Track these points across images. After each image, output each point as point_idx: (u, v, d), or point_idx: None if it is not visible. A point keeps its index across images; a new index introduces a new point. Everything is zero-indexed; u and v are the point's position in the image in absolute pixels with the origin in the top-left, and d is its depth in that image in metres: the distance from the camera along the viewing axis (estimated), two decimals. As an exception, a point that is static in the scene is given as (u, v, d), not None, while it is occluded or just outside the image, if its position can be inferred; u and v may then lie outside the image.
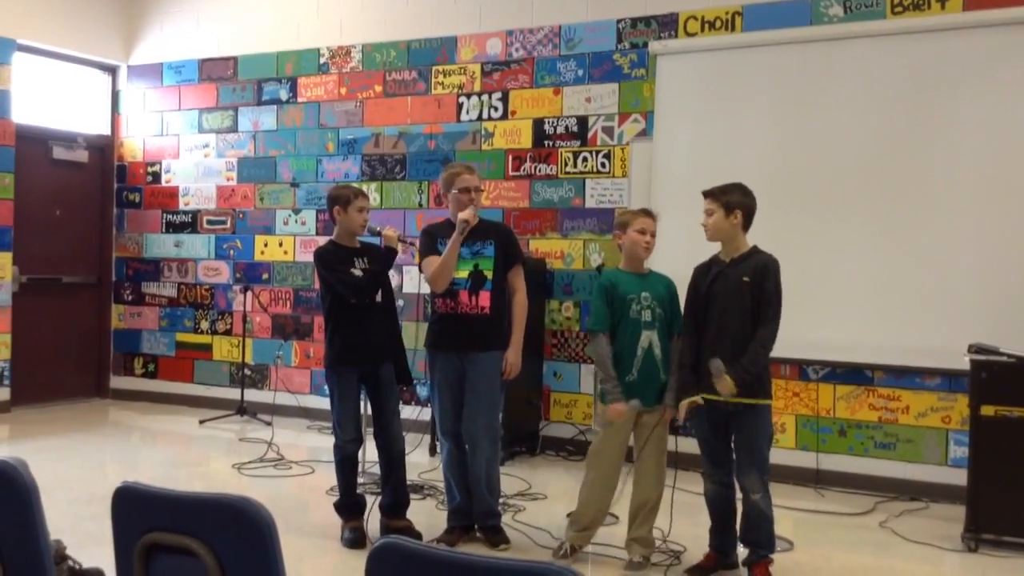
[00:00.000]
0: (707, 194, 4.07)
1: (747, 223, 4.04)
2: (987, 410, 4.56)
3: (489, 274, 4.40)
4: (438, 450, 6.46)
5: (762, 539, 3.98)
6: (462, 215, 4.34)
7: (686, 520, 4.45)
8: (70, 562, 3.27)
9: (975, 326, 5.23)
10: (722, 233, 4.03)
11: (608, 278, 4.31)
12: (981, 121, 5.49)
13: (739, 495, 4.07)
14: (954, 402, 5.55)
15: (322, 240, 6.00)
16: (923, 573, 4.32)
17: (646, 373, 4.14)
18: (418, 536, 4.41)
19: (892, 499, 5.54)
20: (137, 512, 1.81)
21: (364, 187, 7.03)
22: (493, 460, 4.43)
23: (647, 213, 4.31)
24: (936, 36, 5.63)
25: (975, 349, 4.68)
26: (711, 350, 3.95)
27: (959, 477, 5.02)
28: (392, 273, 4.67)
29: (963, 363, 4.71)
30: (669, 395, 4.13)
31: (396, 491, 4.56)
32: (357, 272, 4.45)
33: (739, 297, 3.94)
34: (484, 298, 4.37)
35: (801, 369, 5.96)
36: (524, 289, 4.52)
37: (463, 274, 4.39)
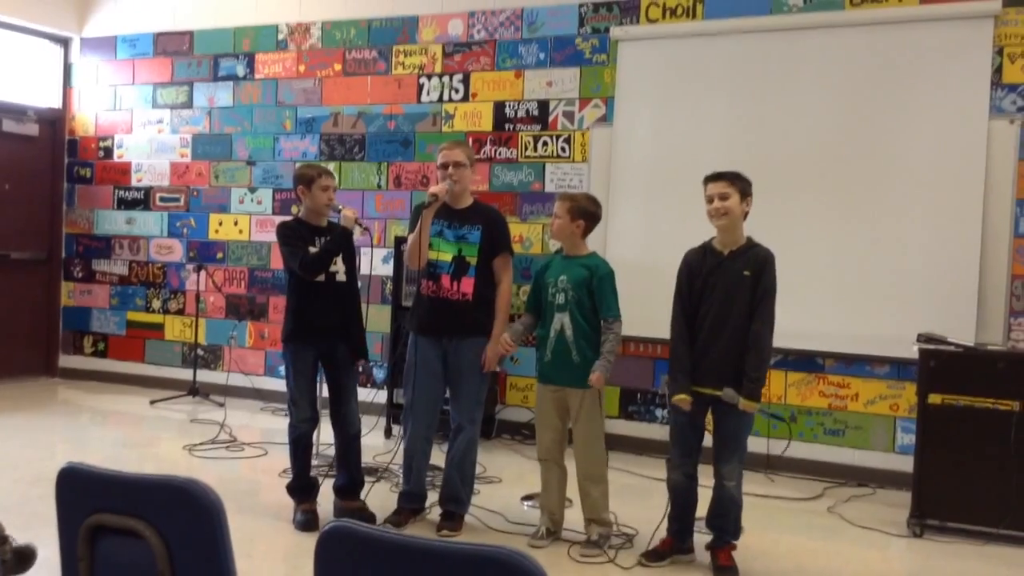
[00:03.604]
0: (719, 176, 3.94)
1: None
2: (934, 398, 4.64)
3: (472, 260, 4.32)
4: (393, 432, 6.45)
5: (729, 525, 4.00)
6: (431, 189, 4.30)
7: (637, 503, 4.49)
8: (12, 543, 3.21)
9: (924, 316, 5.32)
10: (736, 219, 3.93)
11: (543, 264, 4.42)
12: (935, 113, 5.57)
13: (703, 481, 4.07)
14: (902, 390, 5.65)
15: (278, 219, 5.91)
16: (869, 557, 4.39)
17: (558, 353, 4.19)
18: (371, 517, 4.40)
19: (840, 485, 5.63)
20: (82, 493, 1.78)
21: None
22: (472, 445, 4.39)
23: (559, 199, 4.31)
24: (893, 28, 5.70)
25: (924, 338, 4.75)
26: (705, 343, 3.90)
27: (906, 464, 5.11)
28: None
29: (912, 352, 4.79)
30: (594, 375, 4.09)
31: (351, 472, 4.53)
32: (314, 250, 4.40)
33: (740, 291, 3.87)
34: (466, 284, 4.31)
35: (755, 356, 6.02)
36: (510, 279, 4.42)
37: (447, 257, 4.33)
